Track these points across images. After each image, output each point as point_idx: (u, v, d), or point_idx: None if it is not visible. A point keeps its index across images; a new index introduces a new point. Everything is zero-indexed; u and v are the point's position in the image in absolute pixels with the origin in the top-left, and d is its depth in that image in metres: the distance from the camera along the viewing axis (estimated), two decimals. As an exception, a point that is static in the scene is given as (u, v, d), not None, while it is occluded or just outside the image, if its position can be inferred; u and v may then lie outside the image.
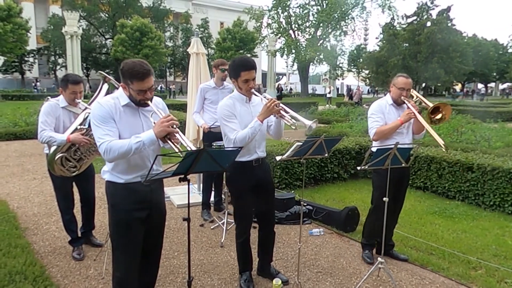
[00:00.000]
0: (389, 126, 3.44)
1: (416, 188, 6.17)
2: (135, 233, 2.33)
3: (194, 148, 2.03)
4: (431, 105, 3.41)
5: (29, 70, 39.94)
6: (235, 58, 2.97)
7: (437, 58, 23.55)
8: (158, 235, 2.55)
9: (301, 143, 2.60)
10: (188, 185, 2.17)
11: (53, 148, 3.36)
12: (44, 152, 3.58)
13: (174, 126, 2.12)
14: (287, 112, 2.67)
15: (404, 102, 3.44)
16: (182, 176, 2.09)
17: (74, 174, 3.45)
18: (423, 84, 26.79)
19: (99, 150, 2.16)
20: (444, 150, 3.21)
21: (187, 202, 5.63)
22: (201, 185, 5.19)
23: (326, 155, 2.87)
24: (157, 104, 2.33)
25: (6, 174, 6.90)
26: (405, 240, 4.17)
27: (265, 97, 2.87)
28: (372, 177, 3.71)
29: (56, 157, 3.32)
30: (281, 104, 2.70)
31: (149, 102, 2.22)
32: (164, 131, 2.11)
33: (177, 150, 2.07)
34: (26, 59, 38.54)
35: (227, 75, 4.70)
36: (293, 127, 2.59)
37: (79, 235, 3.85)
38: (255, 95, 2.92)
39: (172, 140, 2.13)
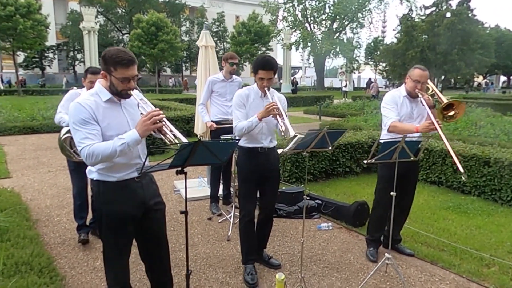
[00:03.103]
0: (404, 126, 3.29)
1: (431, 182, 6.03)
2: (127, 231, 2.25)
3: (183, 138, 1.98)
4: (445, 100, 3.19)
5: (49, 65, 40.78)
6: (260, 55, 3.19)
7: (457, 50, 22.86)
8: (159, 231, 2.43)
9: (302, 136, 2.55)
10: (185, 178, 2.14)
11: (63, 130, 3.68)
12: None
13: (158, 121, 2.02)
14: (282, 119, 2.82)
15: (418, 96, 3.28)
16: (179, 168, 2.06)
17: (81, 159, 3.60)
18: (442, 77, 26.05)
19: (80, 155, 2.02)
20: (463, 179, 3.10)
21: (196, 195, 5.63)
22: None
23: (330, 148, 2.82)
24: (137, 95, 2.19)
25: (22, 167, 7.05)
26: (416, 235, 4.07)
27: (273, 97, 3.01)
28: (378, 169, 3.62)
29: (63, 137, 3.62)
30: (280, 109, 2.85)
31: (131, 92, 2.11)
32: (148, 130, 2.02)
33: (168, 142, 2.00)
34: (46, 54, 39.35)
35: (236, 69, 4.71)
36: (282, 134, 2.84)
37: (87, 223, 3.97)
38: (268, 93, 3.05)
39: (162, 132, 2.05)
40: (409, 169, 3.41)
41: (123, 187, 2.18)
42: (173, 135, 2.02)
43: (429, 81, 3.39)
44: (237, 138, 3.11)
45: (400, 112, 3.38)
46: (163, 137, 2.05)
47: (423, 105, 3.24)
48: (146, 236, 2.39)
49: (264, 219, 3.37)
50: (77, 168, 3.80)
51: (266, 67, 2.97)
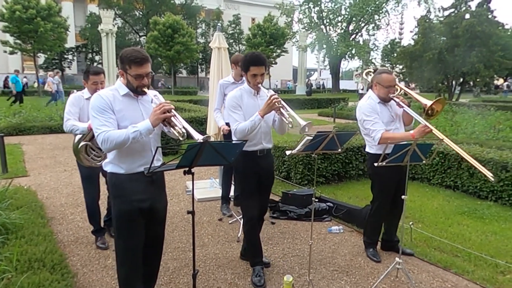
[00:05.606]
0: (398, 135, 3.31)
1: (446, 187, 5.90)
2: (137, 224, 2.36)
3: (191, 130, 2.08)
4: (415, 96, 3.44)
5: (68, 67, 41.61)
6: (248, 53, 3.10)
7: (476, 52, 22.34)
8: (159, 226, 2.58)
9: (311, 137, 2.53)
10: (193, 178, 2.16)
11: (77, 137, 3.51)
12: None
13: (167, 112, 2.16)
14: (286, 110, 2.74)
15: (393, 100, 3.37)
16: (187, 169, 2.08)
17: (100, 164, 3.51)
18: (461, 79, 25.48)
19: (97, 140, 2.21)
20: (491, 180, 3.11)
21: (207, 196, 5.64)
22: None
23: (339, 150, 2.79)
24: (152, 92, 2.38)
25: (40, 166, 7.21)
26: (429, 240, 4.00)
27: (269, 90, 2.96)
28: (372, 176, 3.65)
29: (80, 145, 3.47)
30: (282, 102, 2.78)
31: (146, 89, 2.28)
32: (159, 119, 2.17)
33: (177, 134, 2.13)
34: (65, 56, 40.17)
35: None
36: (290, 126, 2.72)
37: (102, 225, 3.99)
38: (263, 89, 3.03)
39: (171, 124, 2.18)
40: (400, 179, 3.42)
41: (134, 180, 2.30)
42: (183, 126, 2.13)
43: (397, 80, 3.48)
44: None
45: (382, 120, 3.38)
46: (173, 130, 2.17)
47: (402, 106, 3.34)
48: (147, 232, 2.47)
49: (257, 219, 3.35)
50: (89, 177, 3.78)
51: (258, 63, 2.93)
